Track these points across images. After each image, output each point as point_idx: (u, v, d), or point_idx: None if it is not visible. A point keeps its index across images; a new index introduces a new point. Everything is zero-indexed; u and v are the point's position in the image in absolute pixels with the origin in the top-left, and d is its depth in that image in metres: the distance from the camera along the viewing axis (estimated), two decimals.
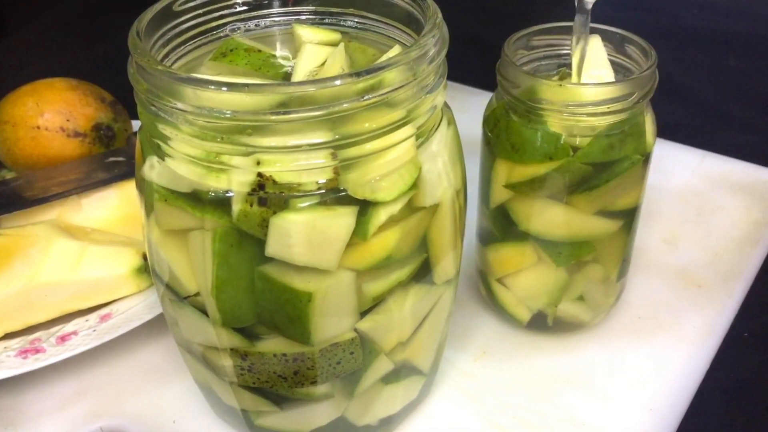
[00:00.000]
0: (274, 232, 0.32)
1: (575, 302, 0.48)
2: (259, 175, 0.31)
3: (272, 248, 0.32)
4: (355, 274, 0.34)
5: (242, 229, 0.32)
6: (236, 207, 0.32)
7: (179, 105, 0.30)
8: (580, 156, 0.41)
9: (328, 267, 0.33)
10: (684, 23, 0.96)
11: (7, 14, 1.07)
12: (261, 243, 0.32)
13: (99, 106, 0.61)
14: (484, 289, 0.51)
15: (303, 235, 0.32)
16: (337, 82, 0.29)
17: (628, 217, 0.46)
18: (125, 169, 0.58)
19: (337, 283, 0.33)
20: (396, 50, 0.36)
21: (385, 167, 0.32)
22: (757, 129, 0.76)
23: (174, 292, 0.37)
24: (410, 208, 0.34)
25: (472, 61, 0.77)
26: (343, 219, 0.32)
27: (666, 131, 0.55)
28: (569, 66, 0.44)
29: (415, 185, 0.34)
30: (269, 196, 0.31)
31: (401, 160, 0.33)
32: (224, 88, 0.29)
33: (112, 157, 0.60)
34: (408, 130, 0.32)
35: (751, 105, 0.80)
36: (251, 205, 0.31)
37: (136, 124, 0.64)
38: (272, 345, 0.35)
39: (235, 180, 0.31)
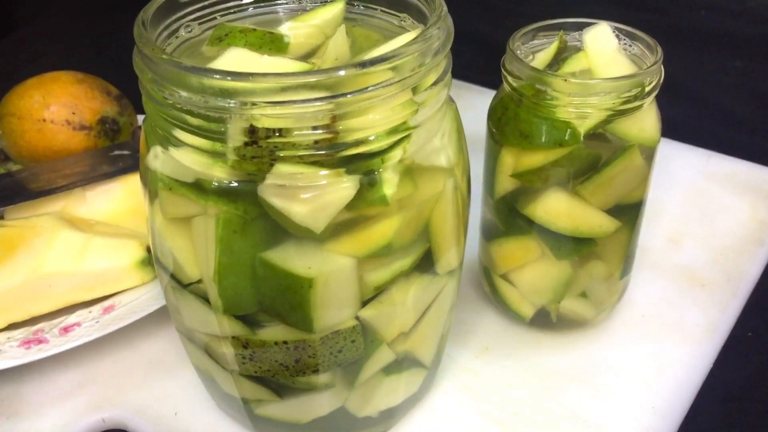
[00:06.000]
0: (276, 173, 0.31)
1: (579, 299, 0.48)
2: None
3: (266, 188, 0.31)
4: (356, 262, 0.34)
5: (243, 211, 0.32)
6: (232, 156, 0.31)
7: (183, 94, 0.30)
8: (584, 141, 0.41)
9: (314, 227, 0.32)
10: (690, 24, 0.96)
11: (15, 8, 1.07)
12: (264, 229, 0.32)
13: (105, 100, 0.61)
14: (488, 285, 0.51)
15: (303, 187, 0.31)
16: (341, 73, 0.30)
17: (632, 213, 0.45)
18: (130, 163, 0.58)
19: (338, 270, 0.33)
20: (405, 37, 0.35)
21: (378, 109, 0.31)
22: (762, 130, 0.76)
23: (177, 280, 0.37)
24: (412, 182, 0.34)
25: (473, 60, 0.77)
26: (346, 186, 0.32)
27: (672, 131, 0.55)
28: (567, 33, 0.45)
29: (408, 141, 0.33)
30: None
31: (395, 101, 0.32)
32: (229, 78, 0.29)
33: (117, 150, 0.60)
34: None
35: (757, 106, 0.80)
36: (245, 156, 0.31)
37: (141, 119, 0.64)
38: (274, 333, 0.35)
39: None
